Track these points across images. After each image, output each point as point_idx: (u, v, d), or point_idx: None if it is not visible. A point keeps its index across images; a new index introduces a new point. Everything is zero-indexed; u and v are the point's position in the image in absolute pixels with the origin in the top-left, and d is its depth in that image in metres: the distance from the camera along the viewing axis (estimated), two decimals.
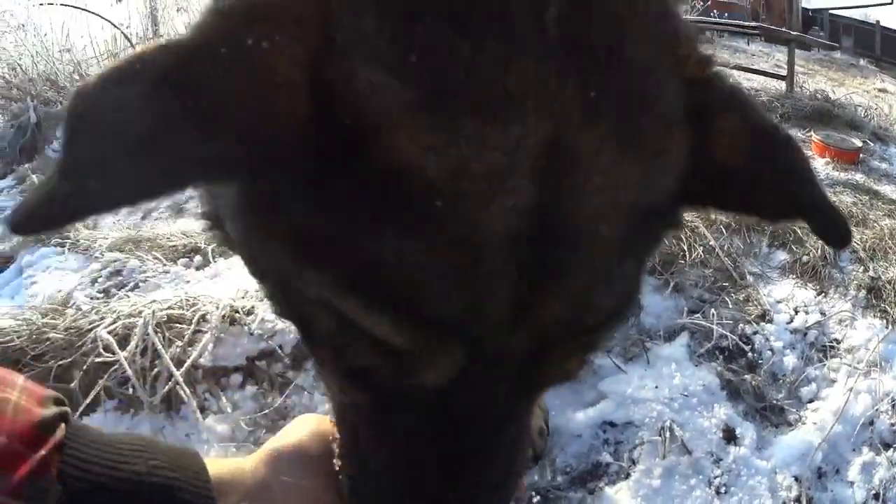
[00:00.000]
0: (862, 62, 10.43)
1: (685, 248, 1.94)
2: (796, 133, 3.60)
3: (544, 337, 0.46)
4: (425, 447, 0.52)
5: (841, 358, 1.82)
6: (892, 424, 1.68)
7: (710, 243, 1.97)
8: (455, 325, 0.43)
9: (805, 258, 2.11)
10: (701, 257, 1.94)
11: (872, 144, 3.75)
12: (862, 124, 4.04)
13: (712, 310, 1.77)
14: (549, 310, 0.44)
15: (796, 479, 1.49)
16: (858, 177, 3.17)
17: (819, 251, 2.15)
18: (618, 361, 1.61)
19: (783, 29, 5.70)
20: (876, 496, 1.51)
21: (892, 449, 1.63)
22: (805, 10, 15.90)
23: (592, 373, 1.58)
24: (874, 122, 4.28)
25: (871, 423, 1.67)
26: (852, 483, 1.54)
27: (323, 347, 0.52)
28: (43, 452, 0.51)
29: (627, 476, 1.38)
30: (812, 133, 3.48)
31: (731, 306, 1.82)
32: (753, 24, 6.44)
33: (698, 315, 1.77)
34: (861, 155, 3.40)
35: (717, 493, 1.40)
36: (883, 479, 1.55)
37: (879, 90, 6.39)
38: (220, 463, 0.62)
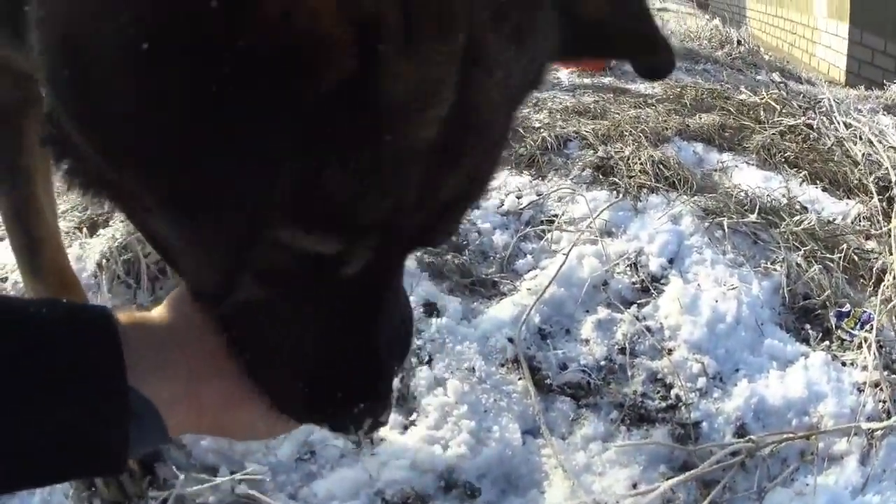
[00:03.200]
0: None
1: None
2: None
3: (442, 210, 0.54)
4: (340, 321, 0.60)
5: (562, 230, 1.93)
6: (634, 283, 1.78)
7: None
8: (379, 223, 0.50)
9: (522, 151, 2.27)
10: None
11: None
12: None
13: None
14: (449, 189, 0.52)
15: (510, 340, 1.56)
16: (606, 80, 3.42)
17: (539, 143, 2.32)
18: None
19: None
20: (622, 350, 1.60)
21: (634, 305, 1.72)
22: None
23: None
24: None
25: (605, 283, 1.76)
26: (587, 341, 1.62)
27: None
28: None
29: None
30: None
31: None
32: None
33: None
34: (613, 62, 3.65)
35: (422, 362, 1.50)
36: (628, 333, 1.63)
37: (659, 9, 6.85)
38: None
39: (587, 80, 3.38)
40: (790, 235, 1.99)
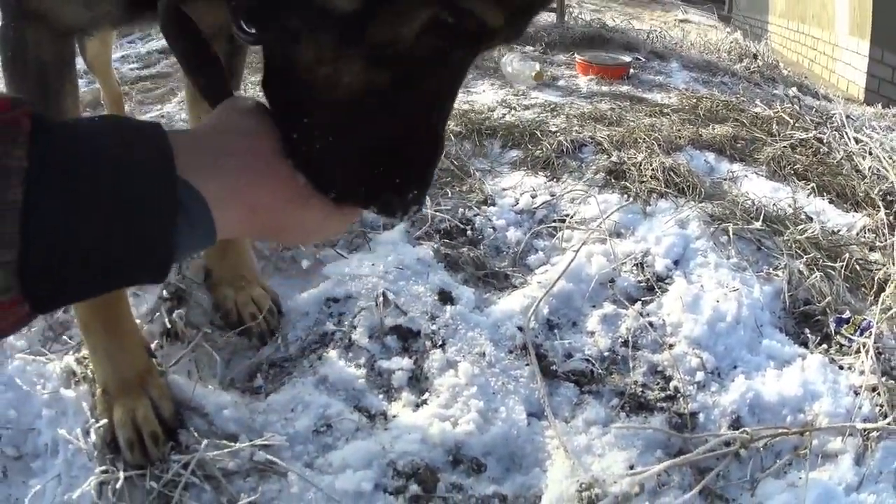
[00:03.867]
0: None
1: None
2: (561, 56, 3.91)
3: (513, 15, 0.64)
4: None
5: (573, 229, 2.01)
6: (639, 281, 1.86)
7: None
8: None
9: (538, 153, 2.35)
10: None
11: (647, 61, 4.11)
12: (639, 45, 4.41)
13: (429, 199, 1.97)
14: None
15: (520, 329, 1.64)
16: (624, 88, 3.50)
17: (555, 146, 2.39)
18: (342, 252, 1.80)
19: None
20: (625, 343, 1.67)
21: (639, 302, 1.79)
22: None
23: (318, 262, 1.77)
24: (657, 43, 4.67)
25: (612, 281, 1.84)
26: (592, 333, 1.69)
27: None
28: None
29: (350, 340, 1.56)
30: (576, 55, 3.80)
31: (450, 196, 2.04)
32: None
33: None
34: (631, 70, 3.73)
35: (435, 346, 1.59)
36: (631, 328, 1.69)
37: (681, 20, 6.90)
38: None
39: (605, 88, 3.46)
40: (794, 243, 2.05)
